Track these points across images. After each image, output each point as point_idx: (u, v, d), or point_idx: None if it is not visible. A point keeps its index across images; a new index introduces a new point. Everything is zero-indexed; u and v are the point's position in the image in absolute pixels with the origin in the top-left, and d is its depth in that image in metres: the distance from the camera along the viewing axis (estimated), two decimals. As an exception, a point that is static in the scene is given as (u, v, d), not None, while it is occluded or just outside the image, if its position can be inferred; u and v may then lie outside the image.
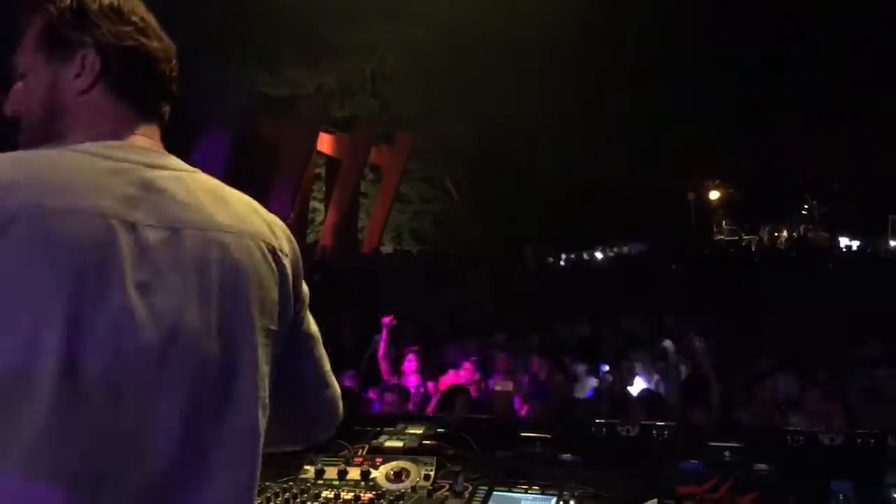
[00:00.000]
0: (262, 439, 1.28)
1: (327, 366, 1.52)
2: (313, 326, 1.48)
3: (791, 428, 2.47)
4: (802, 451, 2.35)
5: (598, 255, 26.10)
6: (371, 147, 25.95)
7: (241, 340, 1.24)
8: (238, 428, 1.23)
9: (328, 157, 26.46)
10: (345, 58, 21.61)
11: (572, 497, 2.16)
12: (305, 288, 1.44)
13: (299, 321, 1.43)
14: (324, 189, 28.12)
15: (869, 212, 29.18)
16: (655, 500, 2.10)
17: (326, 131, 24.39)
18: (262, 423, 1.28)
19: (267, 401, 1.29)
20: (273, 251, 1.33)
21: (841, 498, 1.77)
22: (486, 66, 23.20)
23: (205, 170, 1.39)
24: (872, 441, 2.18)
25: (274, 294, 1.31)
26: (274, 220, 1.40)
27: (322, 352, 1.51)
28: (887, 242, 28.52)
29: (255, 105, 20.07)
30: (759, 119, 27.97)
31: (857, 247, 29.44)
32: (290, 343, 1.38)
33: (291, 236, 1.42)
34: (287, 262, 1.36)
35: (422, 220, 32.08)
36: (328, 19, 18.79)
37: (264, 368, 1.28)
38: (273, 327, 1.30)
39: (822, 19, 24.80)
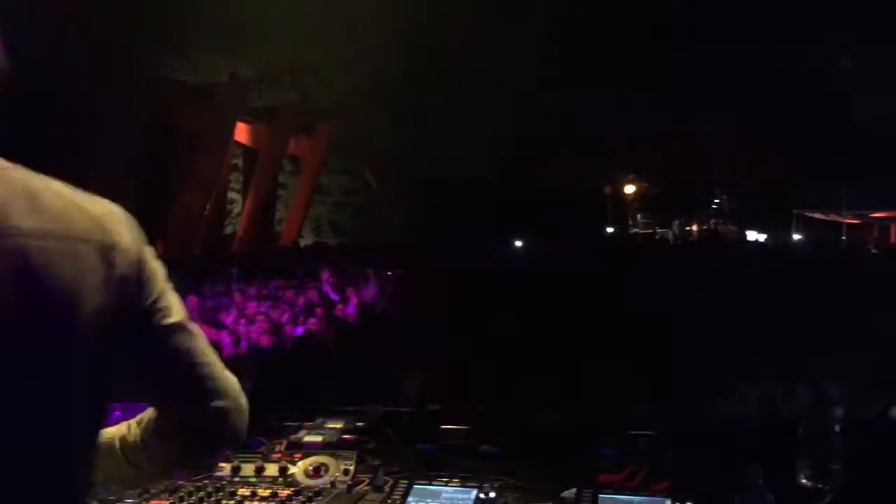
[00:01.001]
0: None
1: (203, 359, 1.34)
2: (174, 317, 1.31)
3: (705, 416, 2.54)
4: (716, 437, 2.42)
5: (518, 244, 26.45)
6: (290, 138, 25.60)
7: (58, 343, 1.13)
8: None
9: (246, 148, 25.98)
10: (263, 47, 21.22)
11: (492, 489, 2.16)
12: (159, 278, 1.29)
13: (150, 314, 1.27)
14: (241, 180, 27.62)
15: (775, 207, 30.44)
16: (574, 490, 2.12)
17: (244, 121, 23.93)
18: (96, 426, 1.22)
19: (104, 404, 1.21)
20: (103, 249, 1.19)
21: (752, 483, 1.82)
22: (407, 58, 23.17)
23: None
24: (782, 427, 2.26)
25: (98, 297, 1.16)
26: (105, 211, 1.23)
27: (194, 344, 1.33)
28: (791, 236, 29.83)
29: (169, 93, 19.54)
30: (674, 115, 28.80)
31: (764, 240, 30.69)
32: (140, 341, 1.26)
33: (132, 223, 1.27)
34: (122, 258, 1.21)
35: (341, 212, 31.86)
36: (245, 7, 18.41)
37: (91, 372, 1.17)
38: (93, 333, 1.17)
39: (734, 22, 25.65)
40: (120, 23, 15.63)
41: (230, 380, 1.40)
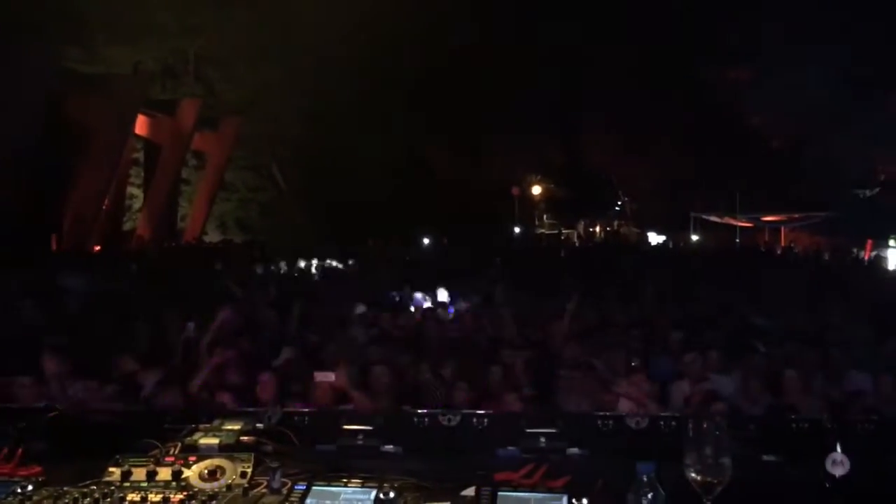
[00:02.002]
0: None
1: None
2: None
3: (600, 413, 2.60)
4: (611, 434, 2.47)
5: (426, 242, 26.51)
6: (194, 132, 24.90)
7: None
8: None
9: (147, 141, 25.13)
10: (166, 38, 20.60)
11: (392, 488, 2.14)
12: None
13: None
14: (142, 174, 26.70)
15: (673, 210, 31.56)
16: (473, 488, 2.13)
17: (145, 114, 23.14)
18: None
19: None
20: None
21: (644, 478, 1.86)
22: (315, 54, 22.92)
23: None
24: (673, 424, 2.34)
25: None
26: None
27: None
28: (689, 237, 30.99)
29: (66, 82, 18.73)
30: (575, 118, 29.45)
31: (663, 241, 31.77)
32: None
33: None
34: None
35: (248, 209, 31.25)
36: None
37: None
38: None
39: (634, 26, 26.38)
40: (13, 9, 14.93)
41: None
